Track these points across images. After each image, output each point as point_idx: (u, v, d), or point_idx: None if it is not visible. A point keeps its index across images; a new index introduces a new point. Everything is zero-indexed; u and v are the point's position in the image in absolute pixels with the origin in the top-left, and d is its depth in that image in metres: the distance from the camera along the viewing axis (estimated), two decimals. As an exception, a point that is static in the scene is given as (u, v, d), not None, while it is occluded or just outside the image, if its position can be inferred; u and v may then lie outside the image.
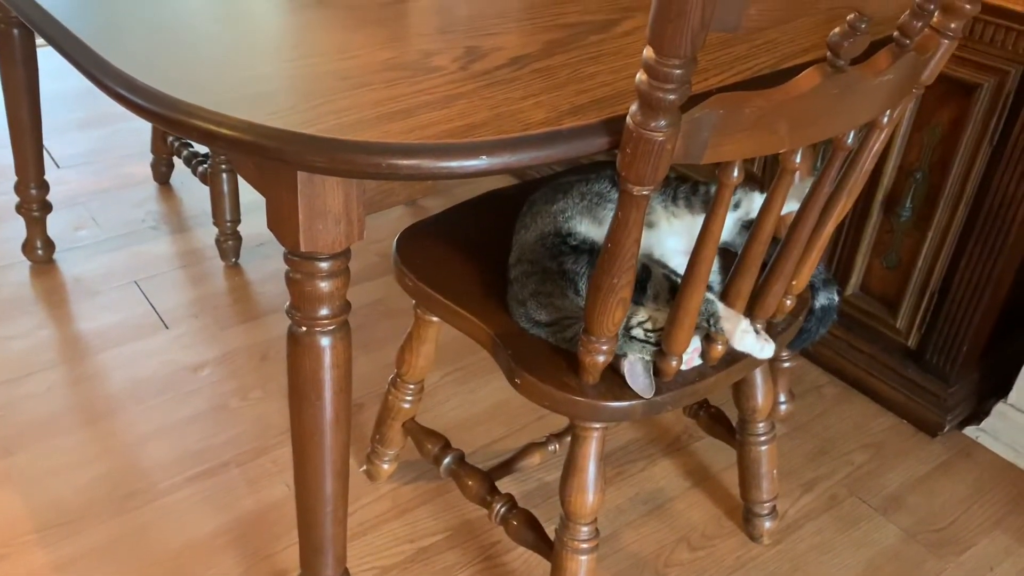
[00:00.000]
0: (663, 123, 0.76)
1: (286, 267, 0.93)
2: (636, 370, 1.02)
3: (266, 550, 1.38)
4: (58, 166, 2.35)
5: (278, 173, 0.84)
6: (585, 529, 1.15)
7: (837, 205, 1.05)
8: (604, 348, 0.98)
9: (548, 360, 1.06)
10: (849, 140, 0.94)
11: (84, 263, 2.00)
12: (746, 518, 1.44)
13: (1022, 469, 1.61)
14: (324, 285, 0.93)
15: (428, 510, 1.47)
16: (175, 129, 0.79)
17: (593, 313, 0.94)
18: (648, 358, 1.02)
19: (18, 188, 1.91)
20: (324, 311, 0.95)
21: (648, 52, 0.72)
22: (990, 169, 1.47)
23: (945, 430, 1.66)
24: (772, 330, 1.15)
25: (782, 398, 1.66)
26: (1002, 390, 1.64)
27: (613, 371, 1.04)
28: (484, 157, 0.75)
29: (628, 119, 0.77)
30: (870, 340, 1.72)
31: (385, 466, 1.48)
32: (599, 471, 1.12)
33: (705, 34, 0.70)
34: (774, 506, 1.42)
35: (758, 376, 1.30)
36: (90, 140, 2.49)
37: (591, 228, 1.11)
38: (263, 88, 0.85)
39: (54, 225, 2.01)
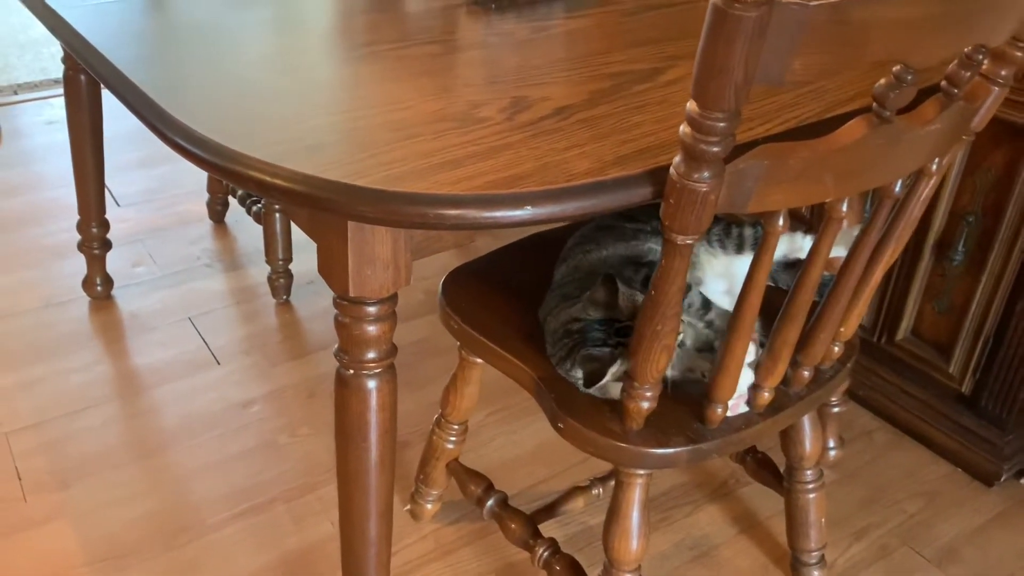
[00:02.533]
0: (707, 175, 0.77)
1: (335, 311, 0.95)
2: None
3: (311, 588, 1.39)
4: (118, 204, 2.43)
5: (329, 222, 0.86)
6: (629, 576, 1.14)
7: (885, 252, 1.04)
8: (648, 395, 0.98)
9: (592, 405, 1.06)
10: (897, 189, 0.94)
11: (140, 299, 2.06)
12: (794, 567, 1.41)
13: (1084, 522, 1.56)
14: (372, 329, 0.95)
15: (471, 551, 1.47)
16: (232, 179, 0.82)
17: (637, 359, 0.94)
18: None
19: (80, 227, 1.97)
20: (371, 354, 0.96)
21: (692, 105, 0.73)
22: (1045, 213, 1.44)
23: (1002, 480, 1.62)
24: (820, 376, 1.14)
25: (831, 443, 1.63)
26: (1062, 439, 1.59)
27: (658, 417, 1.03)
28: (529, 208, 0.77)
29: (672, 170, 0.78)
30: (922, 385, 1.69)
31: (429, 506, 1.49)
32: (643, 517, 1.11)
33: (749, 88, 0.71)
34: (822, 555, 1.40)
35: (806, 422, 1.28)
36: (149, 179, 2.57)
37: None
38: (316, 140, 0.88)
39: (113, 262, 2.07)
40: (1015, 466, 1.63)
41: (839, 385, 1.18)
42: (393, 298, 0.94)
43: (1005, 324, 1.54)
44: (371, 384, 0.98)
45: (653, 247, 1.14)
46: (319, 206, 0.78)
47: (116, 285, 2.07)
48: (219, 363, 1.87)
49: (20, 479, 1.56)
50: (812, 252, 0.94)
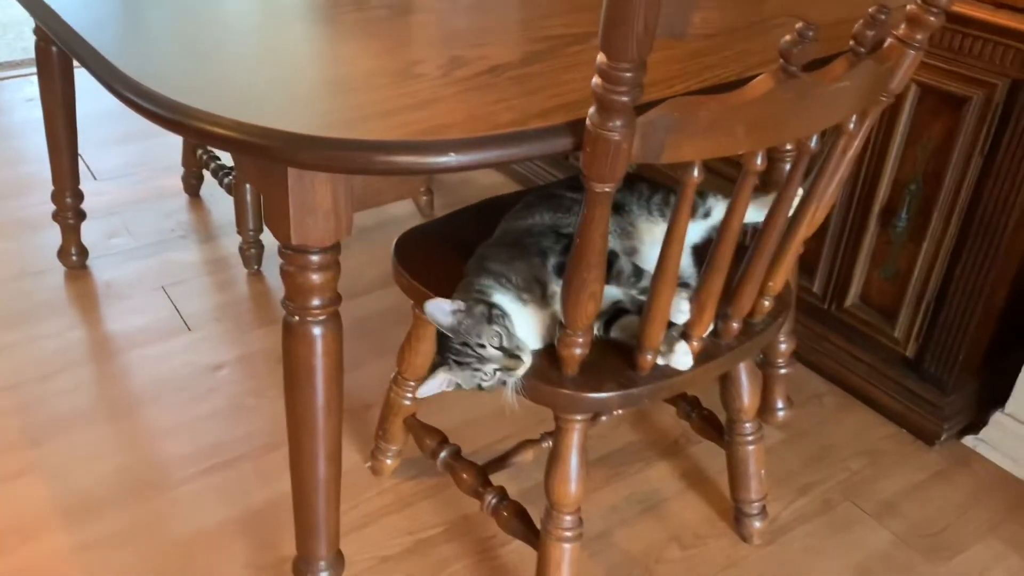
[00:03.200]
0: (618, 123, 0.82)
1: (280, 260, 1.00)
2: (437, 379, 1.10)
3: (271, 539, 1.45)
4: (95, 178, 2.47)
5: (271, 171, 0.91)
6: (568, 518, 1.19)
7: (808, 208, 1.09)
8: (580, 340, 1.04)
9: (534, 356, 1.11)
10: (812, 144, 0.99)
11: (115, 269, 2.10)
12: (737, 518, 1.48)
13: (1019, 478, 1.62)
14: (315, 277, 1.00)
15: (428, 505, 1.52)
16: (177, 130, 0.87)
17: (567, 307, 1.00)
18: (458, 381, 1.09)
19: (55, 197, 2.02)
20: (316, 302, 1.01)
21: (601, 57, 0.78)
22: (982, 179, 1.50)
23: (942, 439, 1.68)
24: (750, 329, 1.20)
25: (780, 404, 1.69)
26: (1000, 400, 1.66)
27: (593, 365, 1.09)
28: (452, 154, 0.82)
29: (587, 120, 0.83)
30: (870, 350, 1.75)
31: (388, 462, 1.54)
32: (581, 462, 1.17)
33: (651, 39, 0.76)
34: (763, 506, 1.46)
35: (744, 377, 1.34)
36: (126, 154, 2.61)
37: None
38: (259, 93, 0.93)
39: (89, 233, 2.12)
40: (955, 426, 1.70)
41: (769, 338, 1.24)
42: (335, 247, 0.99)
43: (945, 289, 1.60)
44: (316, 331, 1.03)
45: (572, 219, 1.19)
46: (258, 153, 0.83)
47: (91, 256, 2.12)
48: (190, 329, 1.92)
49: (-7, 437, 1.61)
50: (731, 203, 0.99)
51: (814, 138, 0.99)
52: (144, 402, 1.72)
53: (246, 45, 1.10)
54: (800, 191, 1.07)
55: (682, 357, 1.09)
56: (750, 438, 1.39)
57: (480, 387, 1.09)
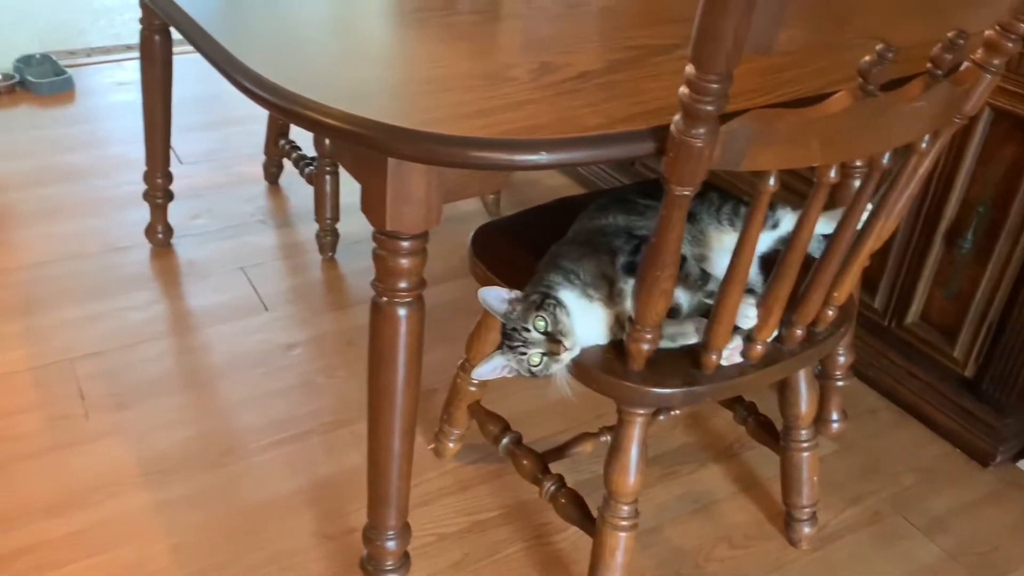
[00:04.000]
0: (702, 131, 0.87)
1: (374, 244, 1.07)
2: (493, 362, 1.16)
3: (338, 510, 1.52)
4: (181, 162, 2.59)
5: (372, 160, 0.98)
6: (626, 508, 1.25)
7: (876, 223, 1.13)
8: (648, 336, 1.09)
9: (601, 349, 1.17)
10: (885, 160, 1.03)
11: (197, 249, 2.21)
12: (786, 522, 1.51)
13: (1073, 504, 1.63)
14: (404, 262, 1.07)
15: (487, 489, 1.59)
16: (291, 118, 0.94)
17: (638, 303, 1.05)
18: (514, 366, 1.15)
19: (146, 177, 2.13)
20: (403, 284, 1.08)
21: (690, 68, 0.83)
22: (1051, 205, 1.51)
23: (997, 461, 1.69)
24: (813, 337, 1.24)
25: (834, 416, 1.72)
26: (1058, 425, 1.66)
27: (658, 360, 1.14)
28: (543, 153, 0.88)
29: (672, 126, 0.89)
30: (927, 368, 1.77)
31: (451, 445, 1.61)
32: (641, 454, 1.22)
33: (740, 54, 0.81)
34: (814, 512, 1.49)
35: (802, 384, 1.38)
36: (212, 141, 2.73)
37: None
38: (363, 89, 1.00)
39: (174, 214, 2.23)
40: (1011, 449, 1.71)
41: (831, 347, 1.27)
42: (424, 235, 1.06)
43: (1009, 311, 1.61)
44: (401, 312, 1.10)
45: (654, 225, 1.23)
46: (364, 143, 0.90)
47: (176, 235, 2.23)
48: (267, 309, 2.01)
49: (83, 399, 1.72)
50: (802, 214, 1.04)
51: (886, 155, 1.03)
52: (221, 375, 1.81)
53: (345, 44, 1.18)
54: (869, 205, 1.11)
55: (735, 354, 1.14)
56: (805, 444, 1.42)
57: (531, 373, 1.14)
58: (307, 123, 0.93)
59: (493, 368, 1.16)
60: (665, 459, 1.67)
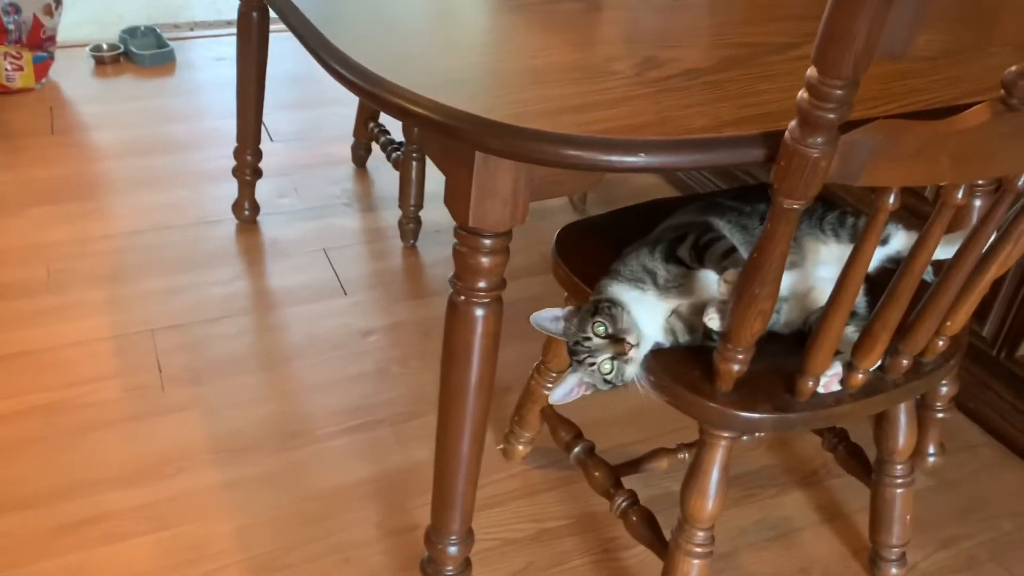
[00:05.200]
0: (820, 140, 0.79)
1: (455, 240, 1.03)
2: (567, 382, 1.10)
3: (403, 504, 1.49)
4: (271, 139, 2.61)
5: (458, 152, 0.94)
6: (701, 534, 1.18)
7: (1003, 250, 1.03)
8: (740, 357, 1.02)
9: (685, 362, 1.10)
10: (1020, 182, 0.93)
11: (282, 228, 2.21)
12: (872, 560, 1.41)
13: None
14: (485, 260, 1.02)
15: (555, 496, 1.53)
16: (378, 104, 0.90)
17: (733, 321, 0.98)
18: (588, 380, 1.10)
19: (236, 154, 2.14)
20: (482, 284, 1.04)
21: (812, 71, 0.76)
22: None
23: (1111, 512, 1.55)
24: (919, 368, 1.14)
25: (931, 449, 1.61)
26: None
27: (749, 383, 1.07)
28: (643, 155, 0.82)
29: (787, 133, 0.81)
30: (1039, 406, 1.64)
31: (520, 447, 1.56)
32: (722, 479, 1.15)
33: (870, 58, 0.73)
34: (903, 553, 1.39)
35: (902, 416, 1.28)
36: (302, 120, 2.73)
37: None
38: (456, 76, 0.95)
39: (261, 191, 2.24)
40: None
41: (939, 380, 1.18)
42: (508, 234, 1.01)
43: None
44: (479, 312, 1.05)
45: (722, 223, 1.16)
46: (451, 134, 0.86)
47: (261, 212, 2.24)
48: (346, 293, 2.00)
49: (161, 371, 1.73)
50: (922, 237, 0.95)
51: (1023, 177, 0.93)
52: (297, 356, 1.80)
53: (440, 30, 1.13)
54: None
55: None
56: (899, 481, 1.33)
57: (608, 383, 1.09)
58: (394, 110, 0.88)
59: (569, 389, 1.11)
60: (745, 480, 1.59)
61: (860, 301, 1.18)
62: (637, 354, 1.07)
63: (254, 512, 1.46)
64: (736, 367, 1.03)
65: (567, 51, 1.04)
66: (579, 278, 1.23)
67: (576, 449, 1.41)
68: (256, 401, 1.68)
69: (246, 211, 2.20)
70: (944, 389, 1.56)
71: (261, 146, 2.16)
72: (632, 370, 1.08)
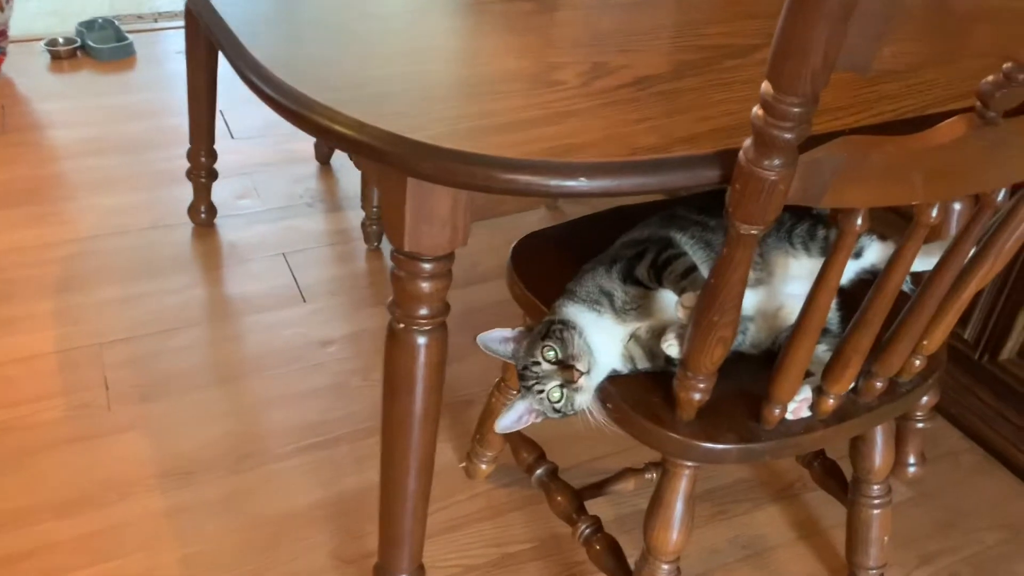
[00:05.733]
0: (777, 162, 0.72)
1: (392, 265, 0.95)
2: (515, 409, 1.03)
3: (359, 529, 1.42)
4: (232, 136, 2.51)
5: (391, 174, 0.86)
6: (666, 567, 1.11)
7: (982, 267, 0.95)
8: (701, 386, 0.94)
9: (644, 389, 1.02)
10: (1000, 198, 0.86)
11: (240, 231, 2.13)
12: (850, 582, 1.35)
13: None
14: (425, 286, 0.95)
15: (520, 516, 1.47)
16: (294, 121, 0.82)
17: (692, 349, 0.91)
18: (537, 408, 1.02)
19: (190, 155, 2.05)
20: (423, 311, 0.96)
21: (766, 87, 0.68)
22: None
23: (1098, 524, 1.50)
24: (895, 389, 1.07)
25: (911, 460, 1.55)
26: None
27: (712, 410, 0.99)
28: (583, 179, 0.74)
29: (741, 154, 0.73)
30: (1022, 411, 1.57)
31: (483, 466, 1.49)
32: (687, 510, 1.08)
33: (829, 74, 0.65)
34: (882, 574, 1.33)
35: (879, 435, 1.21)
36: (266, 115, 2.60)
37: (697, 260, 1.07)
38: (385, 89, 0.87)
39: (220, 192, 2.15)
40: (1115, 511, 1.51)
41: (916, 400, 1.11)
42: (449, 257, 0.93)
43: (1125, 357, 1.41)
44: (420, 340, 0.98)
45: (684, 238, 1.08)
46: (375, 157, 0.78)
47: (220, 214, 2.15)
48: (305, 300, 1.92)
49: (107, 388, 1.65)
50: (894, 258, 0.87)
51: (1002, 192, 0.86)
52: (252, 370, 1.72)
53: (374, 33, 1.04)
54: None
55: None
56: (877, 501, 1.26)
57: (557, 411, 1.02)
58: (312, 128, 0.80)
59: (517, 417, 1.04)
60: (717, 495, 1.52)
61: (833, 317, 1.11)
62: (588, 382, 0.99)
63: (201, 541, 1.38)
64: (697, 396, 0.96)
65: (509, 58, 0.96)
66: (535, 296, 1.15)
67: (538, 471, 1.34)
68: (206, 419, 1.60)
69: (202, 214, 2.11)
70: (925, 399, 1.49)
71: (220, 144, 2.07)
72: (583, 399, 1.00)
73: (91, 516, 1.41)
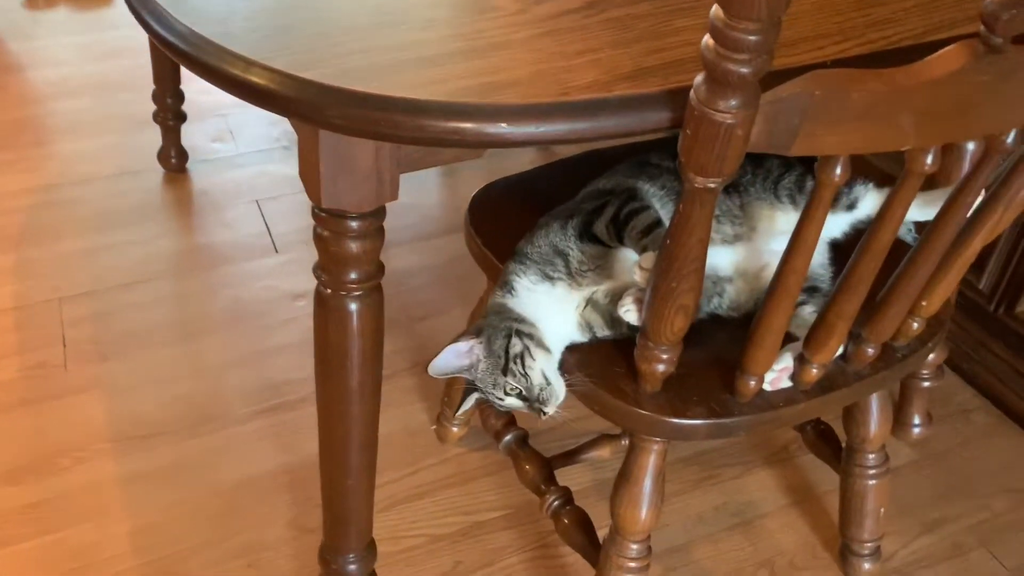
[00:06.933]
0: (733, 103, 0.60)
1: (314, 224, 0.84)
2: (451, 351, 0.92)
3: (319, 498, 1.33)
4: (209, 76, 2.38)
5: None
6: (635, 547, 1.02)
7: (989, 219, 0.83)
8: (664, 357, 0.84)
9: (606, 360, 0.92)
10: (1009, 140, 0.73)
11: (213, 176, 2.02)
12: (843, 554, 1.26)
13: None
14: (353, 246, 0.84)
15: (491, 482, 1.38)
16: (180, 60, 0.70)
17: (650, 317, 0.80)
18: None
19: (155, 96, 1.93)
20: (353, 275, 0.85)
21: (716, 11, 0.56)
22: None
23: (1117, 489, 1.39)
24: (890, 356, 0.96)
25: (916, 420, 1.44)
26: None
27: (681, 382, 0.89)
28: (504, 125, 0.62)
29: (692, 94, 0.61)
30: (1040, 368, 1.45)
31: (454, 429, 1.40)
32: (656, 487, 0.98)
33: (790, -8, 0.53)
34: (877, 547, 1.23)
35: (874, 401, 1.11)
36: (244, 53, 2.50)
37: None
38: (283, 21, 0.75)
39: (194, 135, 2.04)
40: None
41: (914, 366, 1.00)
42: (378, 213, 0.82)
43: None
44: (352, 307, 0.87)
45: (653, 189, 0.96)
46: (264, 102, 0.66)
47: (192, 159, 2.04)
48: (277, 251, 1.82)
49: (65, 347, 1.57)
50: (882, 212, 0.75)
51: (1012, 133, 0.73)
52: (218, 326, 1.63)
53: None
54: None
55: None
56: (872, 471, 1.16)
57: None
58: (199, 69, 0.69)
59: (471, 406, 0.94)
60: (704, 459, 1.43)
61: (824, 274, 0.99)
62: (551, 393, 0.90)
63: (154, 510, 1.31)
64: (661, 367, 0.85)
65: (442, -19, 0.82)
66: (494, 254, 1.04)
67: (507, 438, 1.25)
68: (166, 380, 1.52)
69: (173, 159, 2.00)
70: (931, 356, 1.37)
71: (191, 85, 1.95)
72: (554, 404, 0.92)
73: (41, 484, 1.34)
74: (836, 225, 1.00)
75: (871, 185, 0.98)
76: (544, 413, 0.91)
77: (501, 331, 0.90)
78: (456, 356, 0.92)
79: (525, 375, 0.89)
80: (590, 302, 0.91)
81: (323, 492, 1.02)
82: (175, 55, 0.69)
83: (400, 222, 1.86)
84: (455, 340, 0.92)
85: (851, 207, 0.98)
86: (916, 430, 1.44)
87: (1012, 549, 1.32)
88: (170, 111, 1.94)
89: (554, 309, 0.91)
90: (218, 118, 2.20)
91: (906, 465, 1.43)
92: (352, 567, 1.05)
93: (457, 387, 1.33)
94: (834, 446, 1.25)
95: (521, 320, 0.91)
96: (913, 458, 1.44)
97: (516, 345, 0.89)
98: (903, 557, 1.30)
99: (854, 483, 1.17)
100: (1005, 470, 1.43)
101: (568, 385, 0.92)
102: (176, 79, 1.91)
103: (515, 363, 0.89)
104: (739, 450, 1.45)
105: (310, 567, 1.23)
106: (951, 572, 1.29)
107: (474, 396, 0.94)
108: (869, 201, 0.98)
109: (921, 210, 0.90)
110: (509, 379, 0.90)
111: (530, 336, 0.89)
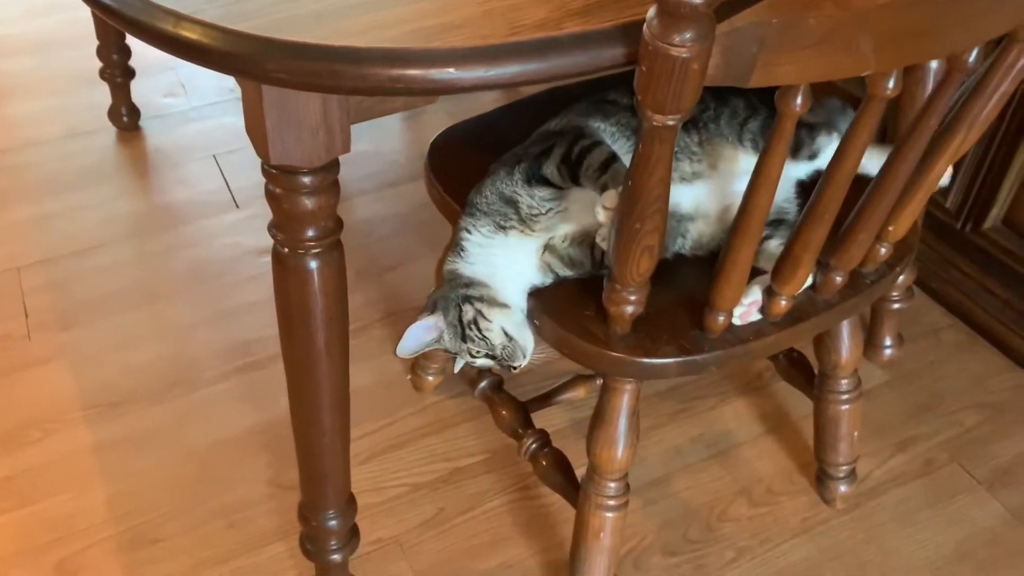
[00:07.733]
0: (688, 35, 0.57)
1: (265, 181, 0.82)
2: (415, 330, 0.93)
3: (297, 455, 1.33)
4: (155, 28, 2.30)
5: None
6: (613, 485, 1.02)
7: (953, 140, 0.82)
8: (632, 298, 0.82)
9: (575, 303, 0.91)
10: (971, 59, 0.72)
11: (167, 133, 1.96)
12: (819, 478, 1.28)
13: None
14: (308, 203, 0.81)
15: (470, 428, 1.38)
16: (104, 15, 0.66)
17: (616, 260, 0.78)
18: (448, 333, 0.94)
19: (99, 52, 1.87)
20: (310, 232, 0.83)
21: (665, -63, 0.53)
22: None
23: (1084, 397, 1.41)
24: (859, 283, 0.95)
25: (887, 341, 1.45)
26: None
27: (650, 321, 0.88)
28: (452, 70, 0.59)
29: (644, 28, 0.59)
30: (1007, 283, 1.46)
31: (430, 378, 1.39)
32: (631, 426, 0.98)
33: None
34: (852, 469, 1.25)
35: (844, 327, 1.11)
36: None
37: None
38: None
39: (144, 90, 1.98)
40: (1102, 384, 1.42)
41: (883, 292, 1.00)
42: (331, 167, 0.80)
43: (1117, 221, 1.29)
44: (312, 265, 0.85)
45: (608, 126, 0.94)
46: (189, 51, 0.63)
47: (145, 115, 1.98)
48: (238, 206, 1.78)
49: (27, 316, 1.54)
50: (845, 140, 0.74)
51: (974, 52, 0.71)
52: (182, 286, 1.60)
53: None
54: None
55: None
56: (844, 396, 1.16)
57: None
58: (127, 25, 0.65)
59: (425, 334, 0.93)
60: (679, 391, 1.43)
61: (791, 207, 0.98)
62: (515, 348, 0.91)
63: (129, 477, 1.30)
64: (629, 309, 0.84)
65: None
66: (456, 200, 1.02)
67: (481, 384, 1.24)
68: (132, 344, 1.49)
69: (124, 117, 1.94)
70: (900, 278, 1.37)
71: (129, 41, 1.88)
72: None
73: (12, 457, 1.32)
74: (797, 172, 0.98)
75: (835, 135, 0.96)
76: (514, 368, 0.90)
77: (452, 301, 0.90)
78: (422, 332, 0.94)
79: (484, 338, 0.89)
80: (547, 247, 0.90)
81: (297, 452, 1.01)
82: (103, 12, 0.65)
83: (363, 171, 1.83)
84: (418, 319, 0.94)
85: (812, 157, 0.96)
86: (887, 352, 1.45)
87: (982, 461, 1.34)
88: (117, 67, 1.88)
89: (511, 259, 0.89)
90: (168, 72, 2.13)
91: (879, 386, 1.44)
92: (332, 523, 1.05)
93: (428, 336, 1.32)
94: (807, 373, 1.25)
95: (470, 284, 0.90)
96: (885, 379, 1.46)
97: (468, 312, 0.89)
98: (878, 477, 1.33)
99: (827, 408, 1.18)
100: (975, 385, 1.45)
101: (538, 331, 0.91)
102: (121, 34, 1.84)
103: (471, 329, 0.89)
104: (713, 382, 1.45)
105: (290, 524, 1.23)
106: (925, 488, 1.31)
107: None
108: (831, 151, 0.96)
109: (877, 160, 0.88)
110: (470, 345, 0.89)
111: (480, 299, 0.89)
